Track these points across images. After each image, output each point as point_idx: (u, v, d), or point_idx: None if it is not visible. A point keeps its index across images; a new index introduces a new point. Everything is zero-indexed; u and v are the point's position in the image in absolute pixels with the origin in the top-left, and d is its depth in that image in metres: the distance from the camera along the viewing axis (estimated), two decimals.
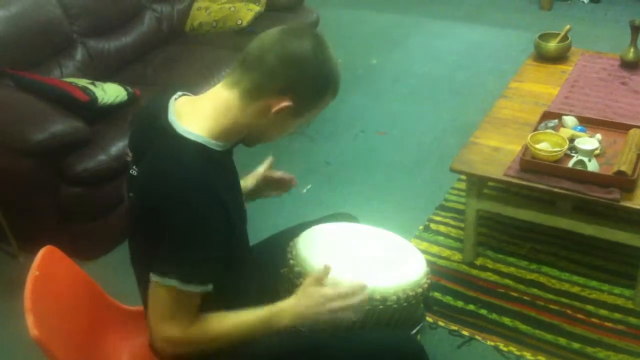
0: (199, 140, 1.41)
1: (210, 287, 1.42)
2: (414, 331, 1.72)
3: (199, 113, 1.44)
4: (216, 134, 1.43)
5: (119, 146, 2.87)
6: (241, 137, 1.50)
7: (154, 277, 1.39)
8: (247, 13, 4.01)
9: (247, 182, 1.85)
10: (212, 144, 1.43)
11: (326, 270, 1.50)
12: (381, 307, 1.59)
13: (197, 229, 1.37)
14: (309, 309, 1.47)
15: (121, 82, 3.23)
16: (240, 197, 1.60)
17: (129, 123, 1.64)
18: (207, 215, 1.37)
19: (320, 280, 1.50)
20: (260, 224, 2.42)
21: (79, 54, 3.45)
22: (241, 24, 4.00)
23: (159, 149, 1.43)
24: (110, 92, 3.05)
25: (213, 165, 1.42)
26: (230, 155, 1.54)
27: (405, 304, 1.61)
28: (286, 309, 1.48)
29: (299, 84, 1.42)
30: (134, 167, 1.51)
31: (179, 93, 1.53)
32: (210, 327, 1.45)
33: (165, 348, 1.44)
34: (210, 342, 1.45)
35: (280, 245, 1.75)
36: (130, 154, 1.55)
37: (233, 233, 1.47)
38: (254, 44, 1.46)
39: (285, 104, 1.42)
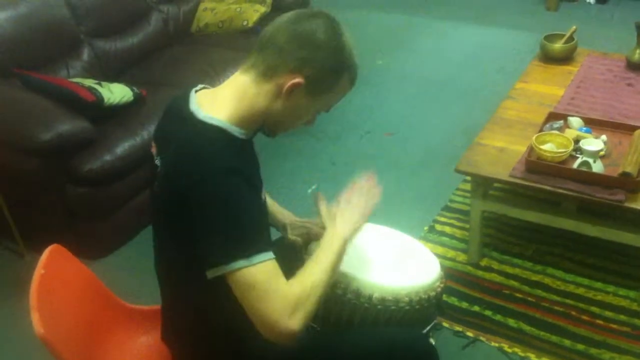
0: (221, 125, 1.42)
1: (270, 253, 1.38)
2: (426, 330, 1.72)
3: (219, 101, 1.46)
4: (236, 121, 1.45)
5: (124, 146, 2.88)
6: (258, 125, 1.51)
7: (222, 270, 1.34)
8: (253, 14, 4.02)
9: (284, 215, 1.87)
10: (233, 129, 1.44)
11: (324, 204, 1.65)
12: (393, 307, 1.59)
13: (233, 203, 1.35)
14: (346, 222, 1.56)
15: (127, 83, 3.24)
16: (262, 188, 1.59)
17: (162, 115, 1.64)
18: (237, 188, 1.37)
19: (327, 207, 1.63)
20: None
21: (86, 54, 3.47)
22: (247, 24, 4.00)
23: (182, 136, 1.44)
24: (116, 93, 3.06)
25: (235, 149, 1.43)
26: (252, 145, 1.54)
27: (417, 306, 1.62)
28: (331, 236, 1.53)
29: (310, 63, 1.42)
30: (157, 158, 1.53)
31: (200, 86, 1.55)
32: (304, 280, 1.41)
33: (291, 327, 1.35)
34: (315, 292, 1.40)
35: (288, 247, 1.75)
36: (154, 146, 1.57)
37: (262, 206, 1.47)
38: (268, 26, 1.48)
39: (296, 80, 1.42)
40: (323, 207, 1.64)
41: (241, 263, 1.33)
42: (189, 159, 1.39)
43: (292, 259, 1.70)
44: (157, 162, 1.52)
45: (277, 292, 1.35)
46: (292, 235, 1.78)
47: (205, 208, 1.35)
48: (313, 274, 1.43)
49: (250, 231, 1.38)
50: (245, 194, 1.38)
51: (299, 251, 1.71)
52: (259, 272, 1.35)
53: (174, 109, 1.55)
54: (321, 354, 1.60)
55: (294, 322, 1.35)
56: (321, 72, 1.44)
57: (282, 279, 1.38)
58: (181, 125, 1.46)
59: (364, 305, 1.59)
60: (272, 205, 1.86)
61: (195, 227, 1.36)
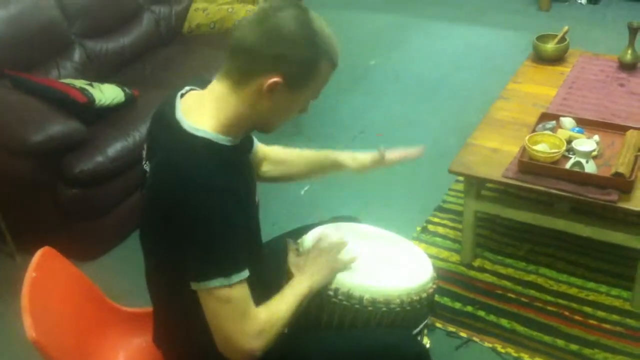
0: (207, 136, 1.41)
1: (246, 272, 1.40)
2: (416, 331, 1.71)
3: (203, 109, 1.44)
4: (222, 130, 1.43)
5: (116, 147, 2.87)
6: (249, 126, 1.49)
7: (199, 286, 1.38)
8: (245, 14, 4.01)
9: (352, 159, 1.98)
10: (220, 139, 1.42)
11: (295, 250, 1.68)
12: (384, 309, 1.59)
13: (218, 222, 1.36)
14: (312, 273, 1.57)
15: (119, 83, 3.23)
16: (253, 193, 1.59)
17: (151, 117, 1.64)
18: (222, 207, 1.36)
19: (295, 255, 1.66)
20: None
21: (77, 55, 3.45)
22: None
23: (167, 146, 1.43)
24: (107, 93, 3.05)
25: (222, 161, 1.41)
26: (241, 150, 1.53)
27: (408, 307, 1.61)
28: (296, 283, 1.55)
29: (284, 60, 1.38)
30: (146, 162, 1.52)
31: (187, 88, 1.53)
32: (271, 309, 1.46)
33: (252, 349, 1.41)
34: (279, 323, 1.46)
35: (283, 245, 1.75)
36: (145, 148, 1.56)
37: (247, 221, 1.47)
38: (235, 31, 1.44)
39: (273, 79, 1.39)
40: (292, 257, 1.67)
41: (220, 281, 1.36)
42: (173, 175, 1.38)
43: (281, 261, 1.70)
44: (146, 166, 1.51)
45: (247, 314, 1.40)
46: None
47: (188, 227, 1.35)
48: (279, 309, 1.48)
49: (232, 250, 1.39)
50: (229, 213, 1.38)
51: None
52: (235, 292, 1.38)
53: (161, 112, 1.53)
54: (311, 356, 1.60)
55: (257, 344, 1.41)
56: (298, 65, 1.40)
57: (252, 301, 1.42)
58: (166, 133, 1.44)
59: (355, 306, 1.58)
60: (330, 153, 2.00)
61: (178, 242, 1.37)
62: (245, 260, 1.41)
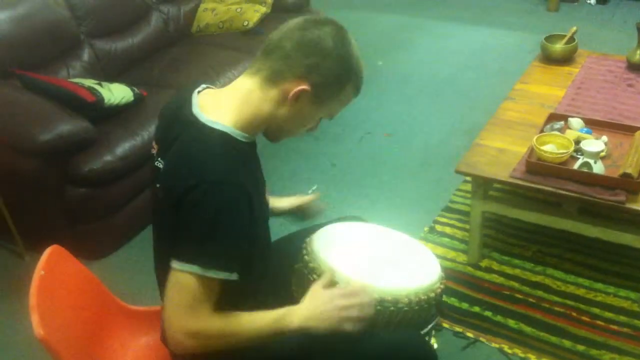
0: (224, 129, 1.42)
1: (234, 276, 1.40)
2: (425, 331, 1.71)
3: (222, 105, 1.46)
4: (240, 125, 1.44)
5: (124, 147, 2.88)
6: (263, 128, 1.50)
7: (175, 264, 1.38)
8: (254, 14, 4.02)
9: (282, 202, 1.93)
10: (237, 134, 1.44)
11: (331, 276, 1.52)
12: (392, 308, 1.58)
13: (222, 215, 1.36)
14: (317, 308, 1.48)
15: (127, 83, 3.24)
16: (264, 191, 1.60)
17: (158, 116, 1.64)
18: (231, 203, 1.37)
19: (327, 284, 1.51)
20: None
21: (86, 55, 3.47)
22: (247, 25, 4.00)
23: (185, 139, 1.43)
24: (116, 93, 3.06)
25: (238, 155, 1.43)
26: (255, 148, 1.55)
27: (416, 307, 1.61)
28: (296, 309, 1.49)
29: (316, 70, 1.42)
30: (159, 159, 1.52)
31: (203, 86, 1.55)
32: (227, 322, 1.43)
33: (180, 341, 1.39)
34: (225, 338, 1.43)
35: (293, 244, 1.76)
36: (155, 147, 1.56)
37: (256, 224, 1.47)
38: (275, 32, 1.47)
39: (301, 87, 1.42)
40: (318, 283, 1.54)
41: (194, 268, 1.36)
42: (189, 164, 1.38)
43: (291, 260, 1.70)
44: (158, 163, 1.52)
45: (197, 311, 1.38)
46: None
47: (193, 211, 1.36)
48: (241, 329, 1.44)
49: (225, 247, 1.39)
50: (237, 210, 1.38)
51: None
52: (201, 285, 1.37)
53: (175, 109, 1.54)
54: (318, 356, 1.60)
55: (187, 342, 1.39)
56: (327, 79, 1.44)
57: (212, 304, 1.40)
58: (184, 128, 1.45)
59: None
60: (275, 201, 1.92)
61: (179, 224, 1.38)
62: (236, 266, 1.41)
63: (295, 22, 1.47)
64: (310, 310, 1.48)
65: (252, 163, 1.52)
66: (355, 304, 1.49)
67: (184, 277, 1.37)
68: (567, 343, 2.40)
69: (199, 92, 1.52)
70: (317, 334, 1.47)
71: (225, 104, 1.46)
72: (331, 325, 1.47)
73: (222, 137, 1.41)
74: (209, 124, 1.42)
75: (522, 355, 2.37)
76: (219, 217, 1.36)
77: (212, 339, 1.41)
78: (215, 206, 1.35)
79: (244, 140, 1.45)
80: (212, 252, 1.38)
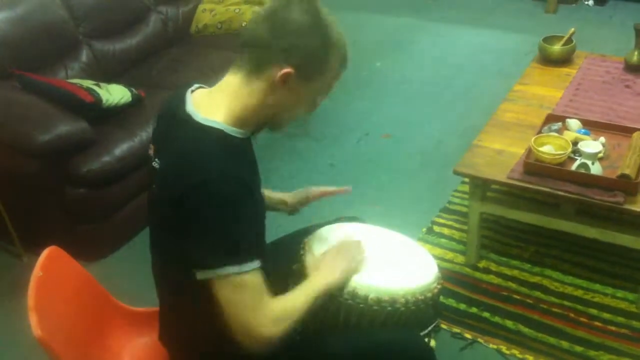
0: (219, 127, 1.43)
1: (258, 262, 1.41)
2: (425, 332, 1.71)
3: (214, 103, 1.47)
4: (232, 121, 1.45)
5: (123, 147, 2.88)
6: (259, 121, 1.51)
7: (209, 274, 1.37)
8: (252, 15, 4.01)
9: (286, 196, 1.97)
10: (232, 130, 1.44)
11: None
12: (389, 308, 1.59)
13: (228, 209, 1.36)
14: (336, 267, 1.58)
15: (126, 84, 3.24)
16: (259, 187, 1.60)
17: (154, 118, 1.65)
18: (235, 196, 1.37)
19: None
20: None
21: (85, 56, 3.47)
22: (246, 26, 4.00)
23: (181, 138, 1.44)
24: (115, 94, 3.06)
25: (234, 151, 1.43)
26: (251, 144, 1.55)
27: (413, 307, 1.62)
28: (325, 274, 1.57)
29: (294, 51, 1.41)
30: (156, 159, 1.53)
31: (196, 85, 1.56)
32: (286, 299, 1.47)
33: (268, 334, 1.41)
34: (295, 313, 1.46)
35: (291, 245, 1.77)
36: (152, 147, 1.57)
37: (256, 217, 1.48)
38: (246, 25, 1.49)
39: (285, 71, 1.41)
40: (309, 258, 1.67)
41: (231, 269, 1.36)
42: (188, 162, 1.39)
43: (288, 261, 1.71)
44: (155, 164, 1.52)
45: (263, 301, 1.41)
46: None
47: (201, 212, 1.35)
48: (296, 301, 1.49)
49: (243, 238, 1.39)
50: (241, 201, 1.38)
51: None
52: (248, 280, 1.38)
53: (170, 109, 1.55)
54: (316, 355, 1.60)
55: (275, 330, 1.41)
56: (308, 56, 1.43)
57: (267, 289, 1.42)
58: (179, 127, 1.46)
59: (360, 306, 1.59)
60: (269, 193, 1.93)
61: (189, 230, 1.37)
62: (257, 250, 1.42)
63: (263, 9, 1.47)
64: (324, 275, 1.57)
65: (248, 158, 1.53)
66: (343, 254, 1.63)
67: (229, 280, 1.37)
68: (565, 344, 2.40)
69: (192, 91, 1.53)
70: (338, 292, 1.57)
71: (216, 103, 1.47)
72: (345, 276, 1.59)
73: (217, 135, 1.42)
74: (203, 122, 1.43)
75: (520, 356, 2.37)
76: (226, 212, 1.36)
77: (289, 318, 1.45)
78: (220, 202, 1.36)
79: (238, 136, 1.46)
80: (235, 246, 1.38)
